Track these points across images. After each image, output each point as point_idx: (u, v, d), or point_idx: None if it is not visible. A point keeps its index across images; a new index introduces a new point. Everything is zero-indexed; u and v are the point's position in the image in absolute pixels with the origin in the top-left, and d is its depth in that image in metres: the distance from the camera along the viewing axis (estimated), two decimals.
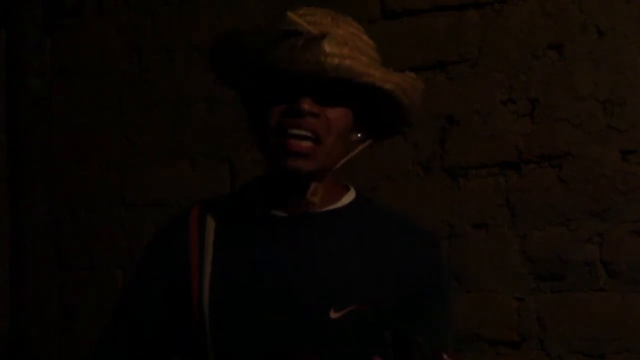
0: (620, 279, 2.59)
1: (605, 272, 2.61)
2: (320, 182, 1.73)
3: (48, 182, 3.38)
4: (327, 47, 1.64)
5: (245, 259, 1.73)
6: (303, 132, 1.66)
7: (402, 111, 1.78)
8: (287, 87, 1.67)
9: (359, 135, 1.79)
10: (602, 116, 2.63)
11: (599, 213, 2.62)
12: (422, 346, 1.48)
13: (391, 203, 2.74)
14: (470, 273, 2.75)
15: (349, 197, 1.81)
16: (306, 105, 1.65)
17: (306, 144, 1.67)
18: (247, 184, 1.86)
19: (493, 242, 2.73)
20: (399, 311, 1.72)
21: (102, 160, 3.35)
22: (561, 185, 2.66)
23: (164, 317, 1.76)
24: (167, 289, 1.76)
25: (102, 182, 3.35)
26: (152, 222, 3.21)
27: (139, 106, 3.29)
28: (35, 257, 3.35)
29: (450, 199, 2.78)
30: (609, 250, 2.61)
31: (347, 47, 1.66)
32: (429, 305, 1.76)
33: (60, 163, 3.41)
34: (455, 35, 2.80)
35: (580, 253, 2.63)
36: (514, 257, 2.71)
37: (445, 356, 1.39)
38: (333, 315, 1.67)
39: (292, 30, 1.64)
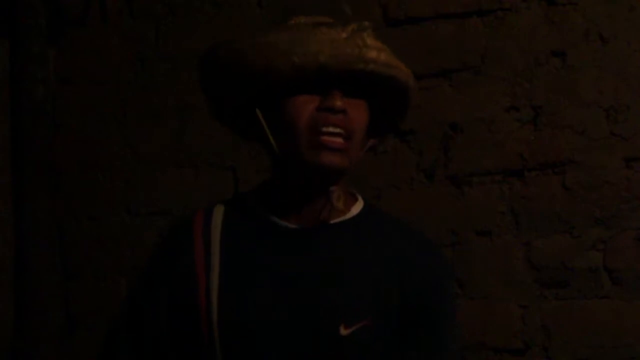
0: (624, 286, 2.59)
1: (609, 279, 2.61)
2: (340, 185, 1.72)
3: (52, 191, 3.38)
4: (369, 39, 1.66)
5: (254, 273, 1.70)
6: (338, 130, 1.66)
7: (407, 109, 1.80)
8: (309, 84, 1.66)
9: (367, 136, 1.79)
10: (605, 123, 2.63)
11: (602, 220, 2.62)
12: None
13: (395, 211, 2.76)
14: (474, 280, 2.75)
15: (357, 207, 1.80)
16: (339, 102, 1.65)
17: (340, 139, 1.66)
18: (252, 191, 1.83)
19: (497, 249, 2.73)
20: (406, 322, 1.71)
21: (106, 168, 3.35)
22: (565, 192, 2.66)
23: (169, 331, 1.74)
24: (172, 302, 1.74)
25: (106, 191, 3.35)
26: (157, 230, 3.21)
27: (143, 114, 3.29)
28: (39, 265, 3.34)
29: (454, 207, 2.78)
30: (613, 258, 2.61)
31: (380, 41, 1.69)
32: (437, 314, 1.74)
33: (64, 171, 3.41)
34: (458, 43, 2.80)
35: (584, 260, 2.63)
36: (518, 264, 2.70)
37: None
38: (343, 332, 1.65)
39: (337, 23, 1.66)
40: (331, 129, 1.65)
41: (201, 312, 1.69)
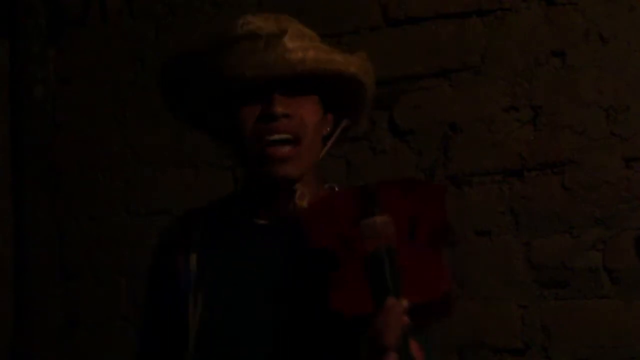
0: (623, 286, 2.59)
1: (608, 279, 2.61)
2: (304, 183, 1.70)
3: (52, 190, 3.39)
4: (289, 43, 1.62)
5: (227, 268, 1.71)
6: (283, 136, 1.64)
7: (364, 92, 1.77)
8: (252, 93, 1.65)
9: (328, 128, 1.77)
10: (605, 123, 2.63)
11: (602, 220, 2.62)
12: None
13: None
14: (474, 280, 2.75)
15: None
16: (279, 108, 1.63)
17: (287, 148, 1.65)
18: (234, 192, 1.87)
19: (497, 249, 2.73)
20: None
21: (105, 168, 3.35)
22: (564, 192, 2.66)
23: (162, 324, 1.77)
24: (161, 298, 1.78)
25: (105, 190, 3.35)
26: (156, 230, 3.19)
27: (143, 114, 3.30)
28: (39, 265, 3.35)
29: (454, 206, 2.78)
30: (612, 257, 2.61)
31: (306, 38, 1.66)
32: None
33: (63, 171, 3.41)
34: (458, 43, 2.80)
35: (584, 260, 2.63)
36: (517, 264, 2.70)
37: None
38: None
39: (251, 33, 1.62)
40: (276, 137, 1.64)
41: (180, 305, 1.71)
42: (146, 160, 3.29)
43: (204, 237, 1.76)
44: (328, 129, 1.77)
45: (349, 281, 1.54)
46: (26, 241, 3.36)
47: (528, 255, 2.70)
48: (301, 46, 1.63)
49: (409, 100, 2.85)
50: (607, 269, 2.61)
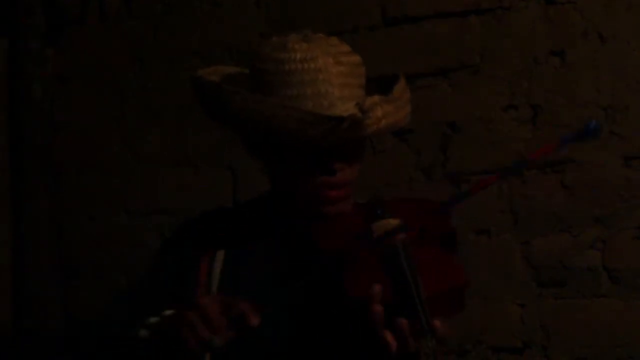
0: (623, 285, 2.59)
1: (608, 279, 2.61)
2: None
3: (50, 190, 3.39)
4: (368, 119, 1.67)
5: (254, 276, 1.75)
6: (339, 188, 1.72)
7: None
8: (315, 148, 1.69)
9: None
10: (604, 122, 2.63)
11: (601, 219, 2.62)
12: None
13: None
14: (473, 279, 2.73)
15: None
16: (338, 164, 1.70)
17: (341, 191, 1.72)
18: (256, 202, 1.87)
19: (496, 248, 2.73)
20: None
21: (104, 167, 3.35)
22: (564, 191, 2.66)
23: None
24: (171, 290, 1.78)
25: (105, 190, 3.35)
26: (156, 229, 3.21)
27: (142, 114, 3.30)
28: (39, 265, 3.35)
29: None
30: (611, 257, 2.61)
31: (379, 108, 1.69)
32: None
33: (62, 171, 3.41)
34: (456, 42, 2.80)
35: (583, 259, 2.63)
36: (516, 263, 2.70)
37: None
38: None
39: (338, 117, 1.64)
40: (332, 190, 1.71)
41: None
42: (146, 160, 3.29)
43: (232, 238, 1.80)
44: None
45: (361, 274, 1.61)
46: (26, 241, 3.36)
47: (527, 254, 2.70)
48: (376, 118, 1.68)
49: None
50: (606, 268, 2.61)
